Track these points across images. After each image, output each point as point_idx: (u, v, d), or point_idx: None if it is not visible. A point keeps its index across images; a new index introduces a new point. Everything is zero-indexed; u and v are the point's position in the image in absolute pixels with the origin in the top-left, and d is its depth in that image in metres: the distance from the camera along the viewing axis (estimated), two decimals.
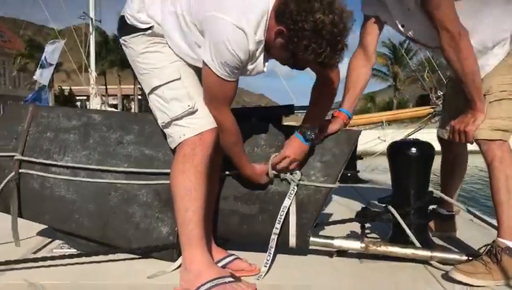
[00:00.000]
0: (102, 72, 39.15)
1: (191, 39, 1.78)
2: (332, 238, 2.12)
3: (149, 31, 1.84)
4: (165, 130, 1.91)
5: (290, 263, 2.08)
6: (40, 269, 2.02)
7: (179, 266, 1.91)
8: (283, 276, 1.94)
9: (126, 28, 1.88)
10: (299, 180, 2.08)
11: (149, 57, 1.86)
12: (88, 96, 20.83)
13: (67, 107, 2.48)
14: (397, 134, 8.30)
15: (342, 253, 2.16)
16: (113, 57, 43.30)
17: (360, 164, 5.26)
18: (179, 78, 1.83)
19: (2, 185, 2.21)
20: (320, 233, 2.30)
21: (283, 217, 2.04)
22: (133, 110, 43.74)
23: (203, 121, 1.82)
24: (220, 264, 1.96)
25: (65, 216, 2.20)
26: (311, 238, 2.09)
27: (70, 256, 2.07)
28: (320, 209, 2.10)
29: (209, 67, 1.70)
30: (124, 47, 1.94)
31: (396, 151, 2.29)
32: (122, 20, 1.90)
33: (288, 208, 2.06)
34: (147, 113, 2.29)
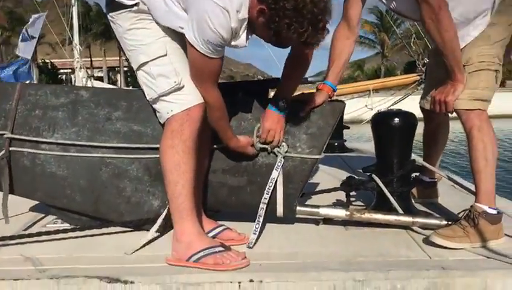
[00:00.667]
0: (86, 45, 38.45)
1: (175, 16, 1.80)
2: (318, 207, 2.19)
3: (135, 8, 1.86)
4: (153, 106, 1.95)
5: (278, 232, 2.16)
6: (35, 244, 2.08)
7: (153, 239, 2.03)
8: (271, 244, 2.02)
9: (113, 4, 1.89)
10: (286, 152, 2.13)
11: (136, 34, 1.89)
12: (73, 70, 20.52)
13: (55, 85, 2.50)
14: (385, 102, 8.37)
15: (328, 221, 2.24)
16: (96, 29, 42.45)
17: (347, 133, 5.33)
18: (165, 55, 1.85)
19: None
20: (307, 202, 2.38)
21: (271, 188, 2.10)
22: (119, 83, 43.23)
23: (190, 97, 1.85)
24: (210, 235, 2.03)
25: (57, 192, 2.25)
26: (298, 208, 2.16)
27: (64, 231, 2.12)
28: (306, 180, 2.16)
29: (193, 45, 1.72)
30: (111, 23, 1.96)
31: (380, 122, 2.35)
32: None
33: (276, 179, 2.12)
34: (134, 89, 2.32)
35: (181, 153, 1.82)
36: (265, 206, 2.09)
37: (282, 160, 2.11)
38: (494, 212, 1.95)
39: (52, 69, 36.87)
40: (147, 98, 1.95)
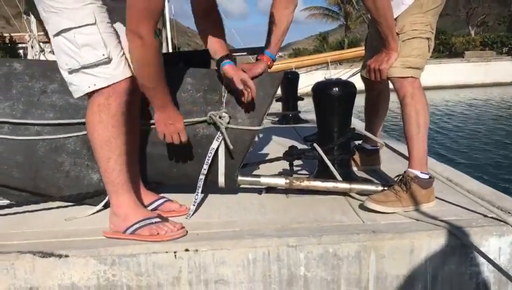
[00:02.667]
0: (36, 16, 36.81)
1: None
2: (259, 176, 2.21)
3: None
4: (68, 76, 1.79)
5: (219, 203, 2.18)
6: None
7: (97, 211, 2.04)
8: (212, 214, 2.04)
9: None
10: (228, 123, 2.13)
11: None
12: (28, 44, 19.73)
13: None
14: (343, 73, 8.45)
15: (271, 190, 2.28)
16: None
17: (303, 105, 5.37)
18: (94, 23, 1.72)
19: None
20: (254, 173, 2.40)
21: (210, 158, 2.11)
22: None
23: (117, 71, 1.77)
24: (150, 207, 2.05)
25: None
26: (240, 178, 2.18)
27: (1, 207, 2.08)
28: (247, 150, 2.17)
29: None
30: None
31: (320, 91, 2.38)
32: None
33: (217, 150, 2.13)
34: None
35: (110, 128, 1.77)
36: (203, 177, 2.10)
37: (224, 131, 2.11)
38: (426, 177, 2.02)
39: (10, 43, 35.36)
40: (64, 68, 1.77)
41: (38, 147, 2.17)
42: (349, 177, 2.29)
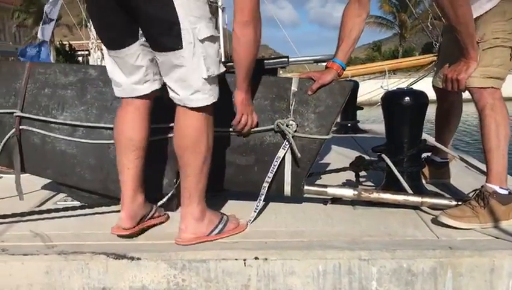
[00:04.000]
0: None
1: None
2: (325, 186, 2.17)
3: None
4: (196, 84, 1.71)
5: (285, 211, 2.16)
6: (45, 221, 2.11)
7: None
8: (278, 223, 2.02)
9: None
10: (295, 131, 2.11)
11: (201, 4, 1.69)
12: (89, 51, 20.61)
13: (63, 63, 2.50)
14: (400, 83, 8.26)
15: (336, 201, 2.23)
16: None
17: (360, 114, 5.27)
18: (218, 35, 1.75)
19: (4, 141, 2.27)
20: (317, 182, 2.37)
21: (276, 167, 2.09)
22: None
23: (217, 89, 1.78)
24: (149, 216, 2.01)
25: (67, 170, 2.27)
26: (306, 187, 2.15)
27: (73, 208, 2.15)
28: (314, 159, 2.14)
29: None
30: None
31: (390, 101, 2.31)
32: None
33: (283, 158, 2.11)
34: None
35: (212, 138, 1.81)
36: (267, 185, 2.09)
37: (291, 139, 2.09)
38: (505, 192, 1.92)
39: (70, 50, 37.09)
40: (203, 75, 1.70)
41: (110, 150, 2.22)
42: (419, 190, 2.21)
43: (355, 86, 4.87)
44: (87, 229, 2.01)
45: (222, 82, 1.91)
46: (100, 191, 2.28)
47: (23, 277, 1.73)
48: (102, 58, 9.72)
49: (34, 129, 2.26)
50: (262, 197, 2.09)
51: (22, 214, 2.09)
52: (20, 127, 2.26)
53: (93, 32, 14.86)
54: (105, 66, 2.28)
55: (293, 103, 2.14)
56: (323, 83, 2.12)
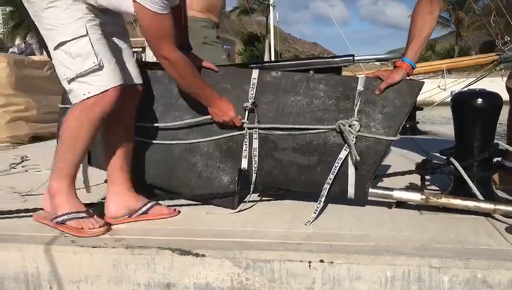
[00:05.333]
0: None
1: None
2: (391, 189, 2.11)
3: None
4: (67, 86, 1.89)
5: (348, 214, 2.11)
6: None
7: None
8: (342, 226, 1.97)
9: None
10: (358, 131, 2.06)
11: (55, 12, 1.84)
12: (143, 48, 21.13)
13: None
14: (458, 83, 7.94)
15: (401, 205, 2.16)
16: None
17: (418, 115, 5.12)
18: (86, 35, 1.83)
19: None
20: (379, 184, 2.30)
21: (337, 168, 2.05)
22: None
23: (108, 79, 1.85)
24: (141, 211, 2.10)
25: (132, 165, 2.31)
26: (370, 190, 2.09)
27: None
28: (380, 161, 2.08)
29: (144, 6, 1.78)
30: (25, 2, 1.91)
31: (462, 102, 2.21)
32: None
33: (344, 159, 2.07)
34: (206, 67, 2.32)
35: (85, 129, 1.88)
36: (328, 186, 2.06)
37: (354, 140, 2.04)
38: None
39: None
40: (62, 78, 1.89)
41: (174, 147, 2.26)
42: (491, 196, 2.10)
43: None
44: (151, 224, 2.04)
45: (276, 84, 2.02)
46: (163, 186, 2.32)
47: (91, 268, 1.78)
48: None
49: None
50: (323, 199, 2.06)
51: (90, 206, 2.15)
52: None
53: None
54: None
55: (359, 103, 2.09)
56: (391, 83, 2.06)
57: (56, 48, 1.86)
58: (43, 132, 4.70)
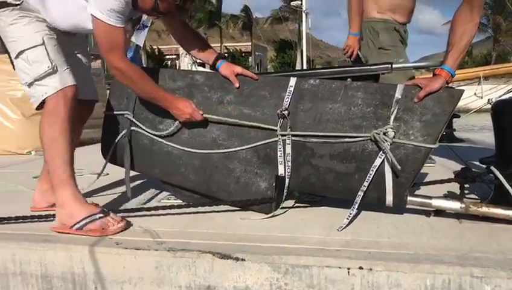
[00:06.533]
0: None
1: (79, 4, 2.04)
2: (430, 197, 2.10)
3: (18, 6, 2.07)
4: (27, 90, 2.11)
5: (386, 221, 2.11)
6: (151, 217, 2.23)
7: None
8: (380, 233, 1.98)
9: None
10: (393, 138, 2.06)
11: (17, 27, 2.08)
12: (177, 55, 21.51)
13: (172, 69, 2.63)
14: (496, 90, 7.75)
15: (440, 213, 2.14)
16: (200, 16, 44.07)
17: (455, 122, 5.03)
18: (41, 44, 2.05)
19: (116, 140, 2.43)
20: (417, 192, 2.29)
21: (372, 175, 2.06)
22: None
23: (62, 80, 2.06)
24: None
25: (172, 170, 2.38)
26: (409, 198, 2.09)
27: (178, 206, 2.25)
28: (419, 169, 2.07)
29: (99, 19, 1.98)
30: None
31: (502, 110, 2.18)
32: None
33: (381, 167, 2.07)
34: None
35: (58, 129, 2.03)
36: (362, 193, 2.07)
37: (389, 147, 2.05)
38: None
39: (159, 54, 38.98)
40: (22, 83, 2.10)
41: (213, 153, 2.31)
42: None
43: None
44: (191, 227, 2.10)
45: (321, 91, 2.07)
46: (202, 191, 2.38)
47: (135, 269, 1.84)
48: (193, 62, 10.13)
49: (143, 130, 2.40)
50: (356, 206, 2.08)
51: (132, 210, 2.23)
52: (132, 128, 2.41)
53: None
54: (210, 72, 2.40)
55: (396, 111, 2.09)
56: (430, 91, 2.05)
57: (17, 56, 2.09)
58: (83, 137, 4.84)
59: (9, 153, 4.74)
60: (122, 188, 2.49)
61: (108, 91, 5.78)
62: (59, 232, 2.04)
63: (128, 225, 2.07)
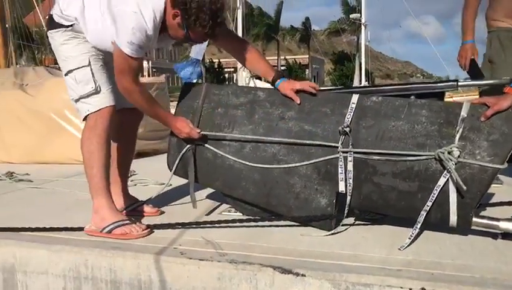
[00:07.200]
0: None
1: (106, 32, 2.21)
2: (497, 219, 2.03)
3: (70, 28, 2.28)
4: (74, 105, 2.35)
5: (449, 243, 2.06)
6: (213, 229, 2.30)
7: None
8: (443, 254, 1.93)
9: (52, 24, 2.34)
10: (458, 157, 2.02)
11: (68, 48, 2.31)
12: (235, 68, 21.92)
13: (235, 85, 2.73)
14: None
15: (508, 236, 2.07)
16: (258, 30, 44.71)
17: None
18: (87, 65, 2.27)
19: (181, 153, 2.53)
20: (483, 213, 2.23)
21: (435, 195, 2.02)
22: None
23: (103, 100, 2.28)
24: (131, 208, 2.60)
25: (234, 183, 2.45)
26: (474, 219, 2.03)
27: (240, 220, 2.31)
28: (485, 190, 2.02)
29: (119, 48, 2.14)
30: (50, 38, 2.39)
31: None
32: (50, 17, 2.37)
33: (447, 187, 2.03)
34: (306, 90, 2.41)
35: (95, 143, 2.25)
36: (425, 213, 2.04)
37: (453, 166, 2.00)
38: None
39: (219, 68, 39.82)
40: (70, 98, 2.34)
41: (274, 167, 2.35)
42: None
43: None
44: (252, 240, 2.14)
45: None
46: (262, 205, 2.42)
47: (198, 280, 1.90)
48: (251, 77, 10.29)
49: (207, 145, 2.49)
50: (419, 225, 2.04)
51: (197, 223, 2.31)
52: (196, 142, 2.50)
53: None
54: (271, 89, 2.45)
55: (462, 129, 2.05)
56: (499, 109, 2.00)
57: (66, 74, 2.33)
58: (147, 148, 5.05)
59: (77, 163, 5.02)
60: (187, 198, 2.59)
61: (171, 104, 6.02)
62: (90, 235, 2.27)
63: (151, 233, 2.26)
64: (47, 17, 2.54)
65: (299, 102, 2.35)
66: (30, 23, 19.97)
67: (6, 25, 8.42)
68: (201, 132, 2.43)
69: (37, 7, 10.05)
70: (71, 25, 2.28)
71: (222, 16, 2.16)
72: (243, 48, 2.50)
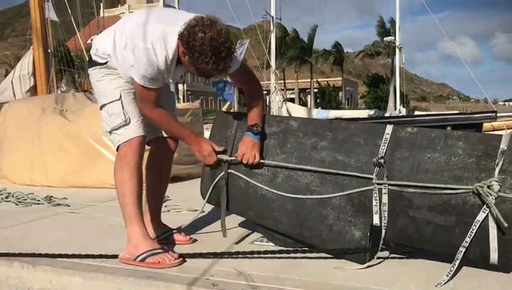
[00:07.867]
0: (282, 68, 41.36)
1: (128, 64, 2.32)
2: None
3: (104, 65, 2.43)
4: (109, 136, 2.49)
5: (491, 280, 1.98)
6: (245, 260, 2.29)
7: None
8: None
9: (91, 63, 2.50)
10: (498, 191, 1.95)
11: (102, 84, 2.46)
12: (268, 91, 22.09)
13: (268, 114, 2.72)
14: None
15: None
16: (291, 53, 45.00)
17: None
18: (119, 99, 2.40)
19: (214, 182, 2.55)
20: None
21: (474, 231, 1.96)
22: (309, 104, 44.91)
23: (132, 131, 2.39)
24: (163, 236, 2.63)
25: (266, 213, 2.44)
26: None
27: (272, 252, 2.29)
28: None
29: (136, 80, 2.28)
30: (89, 76, 2.54)
31: None
32: (89, 57, 2.52)
33: (482, 222, 1.97)
34: (340, 121, 2.40)
35: (126, 172, 2.34)
36: (463, 249, 1.98)
37: (493, 201, 1.94)
38: None
39: None
40: (105, 130, 2.47)
41: (307, 198, 2.33)
42: None
43: None
44: (284, 273, 2.11)
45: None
46: (294, 236, 2.40)
47: None
48: (284, 101, 10.34)
49: (239, 174, 2.50)
50: (457, 262, 1.98)
51: (229, 253, 2.31)
52: (228, 171, 2.52)
53: (274, 75, 15.93)
54: (304, 118, 2.45)
55: (502, 162, 1.99)
56: None
57: (101, 108, 2.48)
58: (181, 173, 5.11)
59: (113, 187, 5.11)
60: (219, 226, 2.59)
61: (204, 129, 6.06)
62: (124, 263, 2.29)
63: (183, 262, 2.26)
64: (88, 41, 2.72)
65: (240, 159, 2.46)
66: (71, 47, 20.75)
67: (49, 50, 8.70)
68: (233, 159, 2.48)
69: (77, 33, 10.42)
70: (105, 62, 2.43)
71: (227, 50, 2.18)
72: (248, 88, 2.55)
